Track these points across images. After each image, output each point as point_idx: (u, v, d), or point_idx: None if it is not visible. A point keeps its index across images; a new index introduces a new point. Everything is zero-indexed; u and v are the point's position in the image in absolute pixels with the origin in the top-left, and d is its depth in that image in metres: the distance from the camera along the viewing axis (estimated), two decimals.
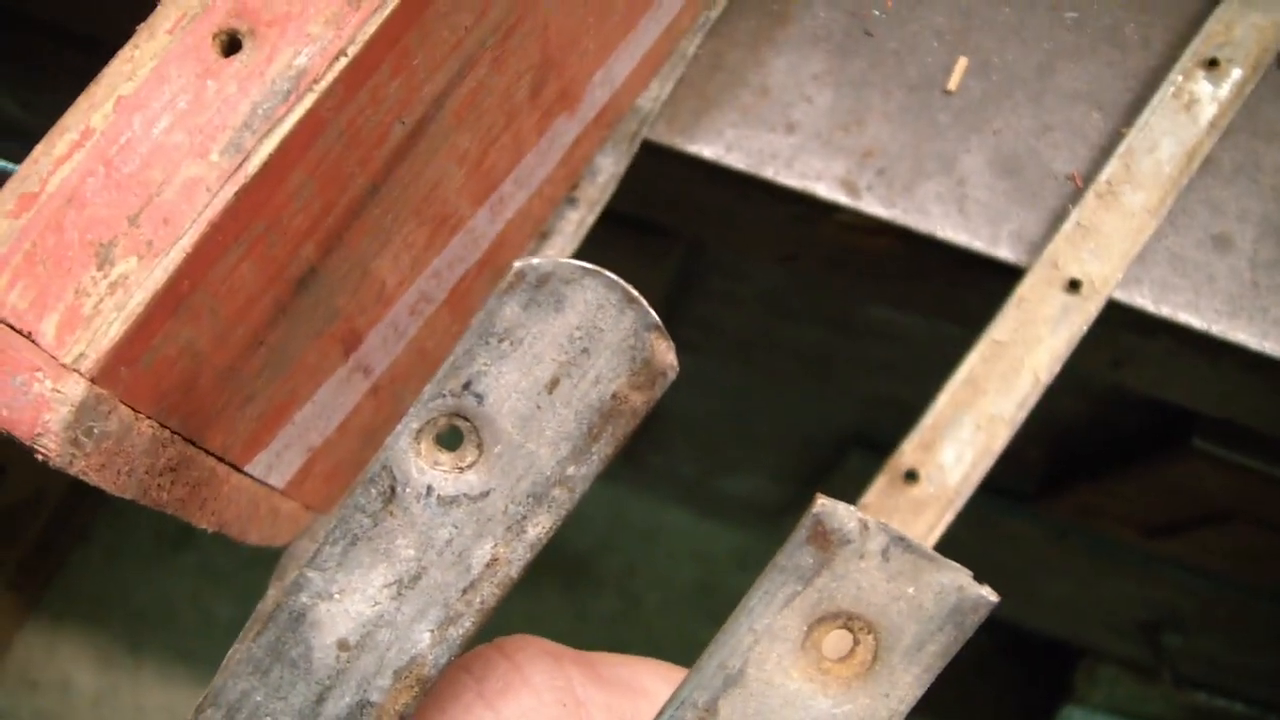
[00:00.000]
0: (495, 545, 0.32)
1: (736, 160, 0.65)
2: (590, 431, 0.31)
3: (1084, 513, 1.10)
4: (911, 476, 0.64)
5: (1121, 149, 0.66)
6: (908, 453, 0.64)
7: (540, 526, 0.32)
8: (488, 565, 0.32)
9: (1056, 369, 0.65)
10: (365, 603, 0.33)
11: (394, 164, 0.44)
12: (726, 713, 0.29)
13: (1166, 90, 0.66)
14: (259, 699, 0.33)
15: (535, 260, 0.31)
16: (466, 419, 0.31)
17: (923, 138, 0.66)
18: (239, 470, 0.47)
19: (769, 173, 0.65)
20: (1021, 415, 0.64)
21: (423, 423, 0.31)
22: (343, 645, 0.33)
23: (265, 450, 0.49)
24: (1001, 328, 0.65)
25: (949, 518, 0.63)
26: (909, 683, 0.29)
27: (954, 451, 0.64)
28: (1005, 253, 0.65)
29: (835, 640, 0.30)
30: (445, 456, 0.32)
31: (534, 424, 0.31)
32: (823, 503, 0.28)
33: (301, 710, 0.33)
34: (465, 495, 0.32)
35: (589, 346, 0.31)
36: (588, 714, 0.35)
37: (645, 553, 1.96)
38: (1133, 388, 0.75)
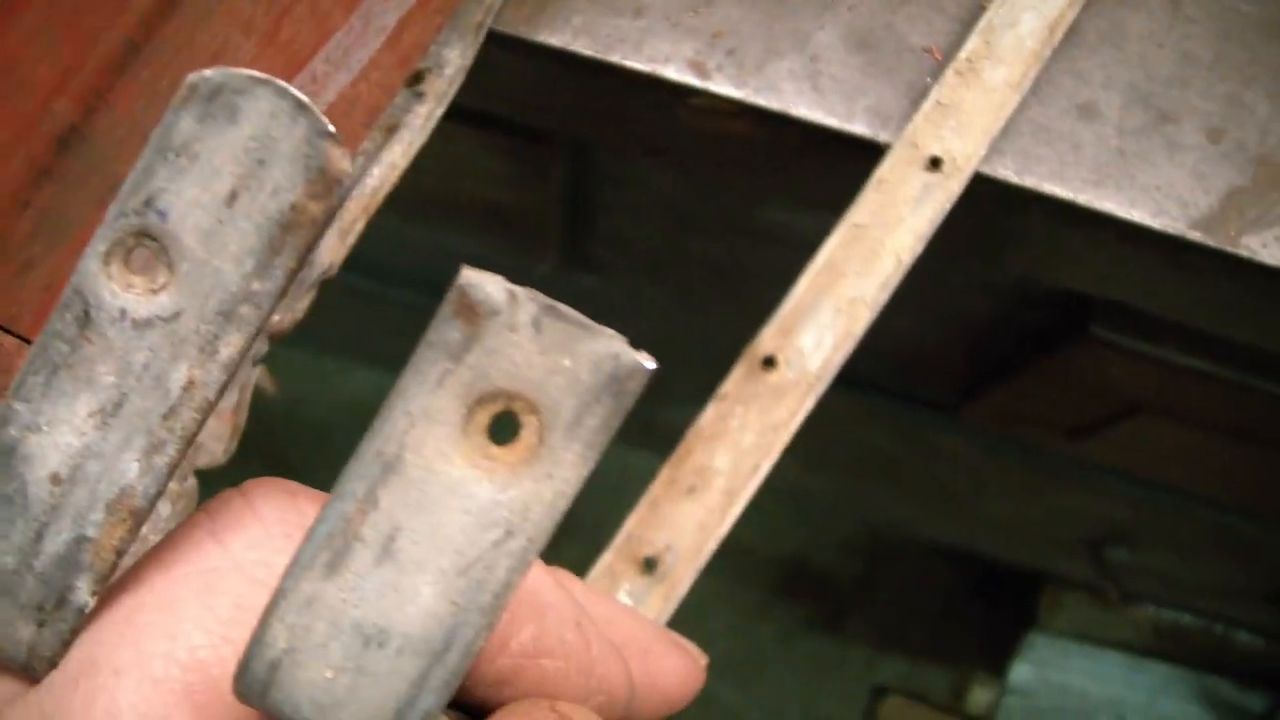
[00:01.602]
0: (190, 367, 0.33)
1: (583, 46, 0.65)
2: (272, 244, 0.32)
3: (1003, 418, 1.10)
4: (770, 363, 0.64)
5: (981, 24, 0.66)
6: (766, 339, 0.65)
7: (231, 346, 0.32)
8: (184, 389, 0.33)
9: (919, 249, 0.65)
10: (72, 434, 0.33)
11: (155, 21, 0.44)
12: (387, 503, 0.29)
13: None
14: None
15: (207, 72, 0.31)
16: (154, 238, 0.32)
17: (774, 17, 0.66)
18: (29, 343, 0.47)
19: (616, 57, 0.65)
20: (883, 297, 0.65)
21: (109, 244, 0.32)
22: (55, 479, 0.33)
23: None
24: (861, 210, 0.66)
25: (810, 403, 0.64)
26: (572, 461, 0.29)
27: (814, 336, 0.65)
28: (861, 128, 0.65)
29: (501, 424, 0.29)
30: (138, 279, 0.33)
31: (217, 239, 0.32)
32: (467, 272, 0.28)
33: (22, 548, 0.34)
34: (158, 317, 0.32)
35: (265, 157, 0.31)
36: None
37: (612, 503, 1.98)
38: (1018, 271, 0.75)
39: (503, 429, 0.29)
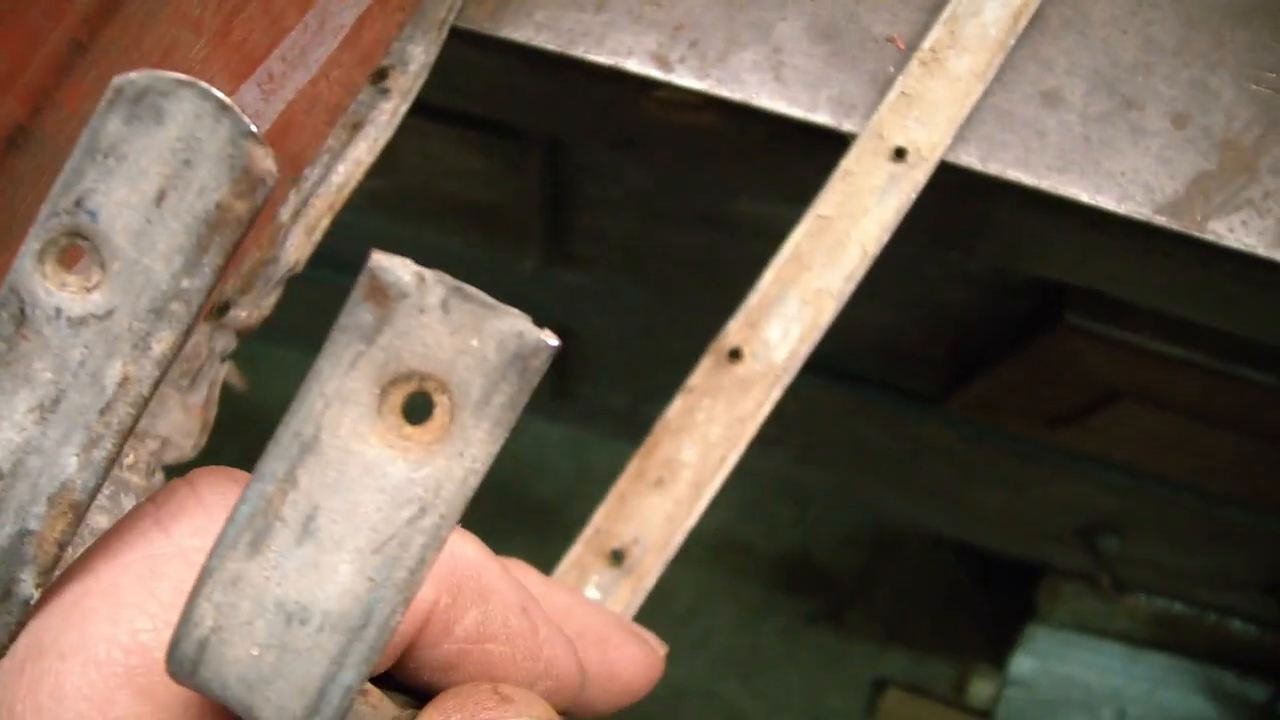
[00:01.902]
0: (125, 364, 0.34)
1: (547, 41, 0.66)
2: (200, 243, 0.33)
3: (985, 408, 1.11)
4: (736, 355, 0.65)
5: (945, 14, 0.67)
6: (732, 332, 0.66)
7: (164, 343, 0.34)
8: (120, 385, 0.34)
9: (885, 239, 0.66)
10: (13, 429, 0.35)
11: (99, 22, 0.45)
12: (306, 483, 0.30)
13: None
14: None
15: (133, 75, 0.32)
16: (86, 238, 0.33)
17: (736, 8, 0.67)
18: None
19: (579, 51, 0.66)
20: (849, 288, 0.66)
21: (43, 243, 0.33)
22: None
23: None
24: (827, 202, 0.67)
25: (776, 394, 0.65)
26: (481, 439, 0.30)
27: (780, 328, 0.66)
28: (825, 118, 0.66)
29: (415, 404, 0.30)
30: (72, 278, 0.34)
31: (146, 238, 0.33)
32: (377, 256, 0.29)
33: None
34: (92, 315, 0.34)
35: (190, 158, 0.32)
36: None
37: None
38: (991, 260, 0.76)
39: (419, 409, 0.30)
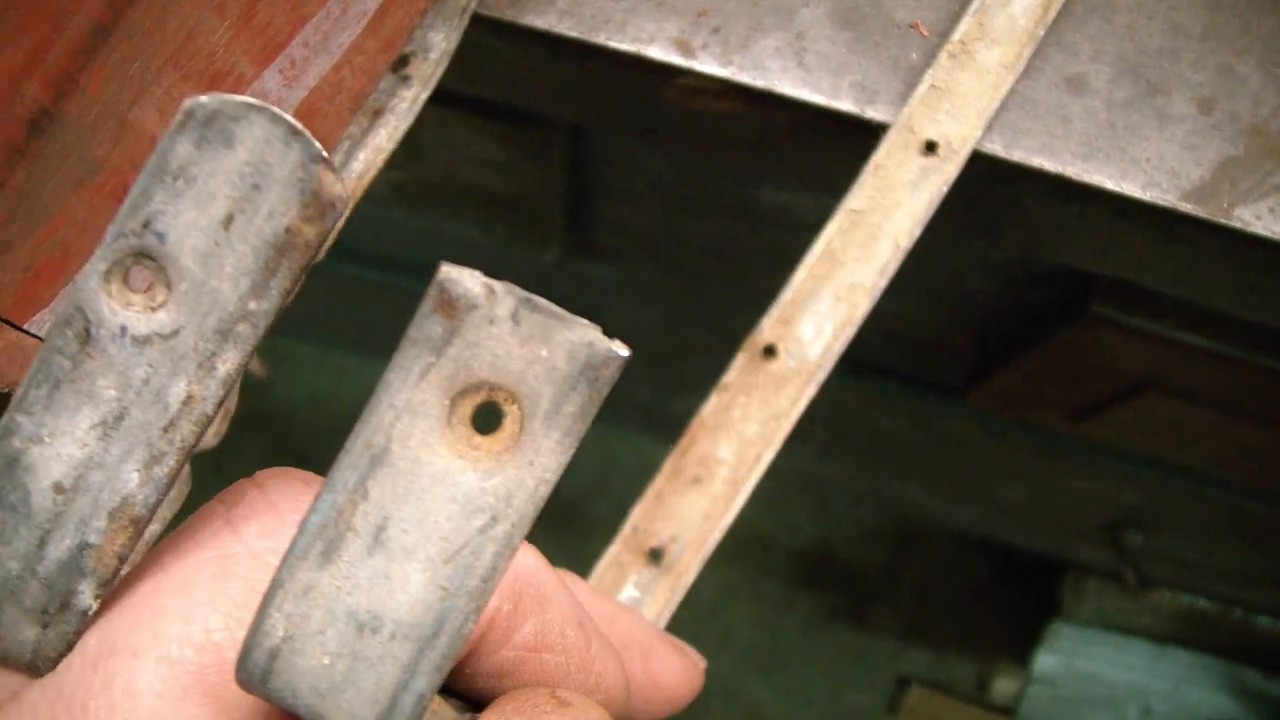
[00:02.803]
0: (189, 383, 0.35)
1: (569, 28, 0.68)
2: (267, 266, 0.34)
3: (1009, 400, 1.13)
4: (770, 353, 0.67)
5: (975, 6, 0.69)
6: (766, 329, 0.67)
7: (229, 363, 0.35)
8: (184, 403, 0.36)
9: (917, 233, 0.68)
10: (75, 445, 0.36)
11: (122, 5, 0.46)
12: (377, 494, 0.31)
13: None
14: None
15: (203, 98, 0.34)
16: (153, 258, 0.35)
17: None
18: (17, 327, 0.50)
19: (601, 38, 0.67)
20: (883, 282, 0.67)
21: (109, 263, 0.35)
22: (58, 488, 0.36)
23: (47, 309, 0.52)
24: (858, 196, 0.68)
25: (811, 391, 0.66)
26: (551, 448, 0.31)
27: (814, 324, 0.67)
28: (847, 105, 0.68)
29: (484, 414, 0.32)
30: (137, 297, 0.35)
31: (214, 261, 0.35)
32: (446, 269, 0.30)
33: (26, 555, 0.37)
34: (157, 334, 0.35)
35: (260, 182, 0.34)
36: None
37: (634, 493, 2.01)
38: (1016, 249, 0.78)
39: (488, 419, 0.32)
